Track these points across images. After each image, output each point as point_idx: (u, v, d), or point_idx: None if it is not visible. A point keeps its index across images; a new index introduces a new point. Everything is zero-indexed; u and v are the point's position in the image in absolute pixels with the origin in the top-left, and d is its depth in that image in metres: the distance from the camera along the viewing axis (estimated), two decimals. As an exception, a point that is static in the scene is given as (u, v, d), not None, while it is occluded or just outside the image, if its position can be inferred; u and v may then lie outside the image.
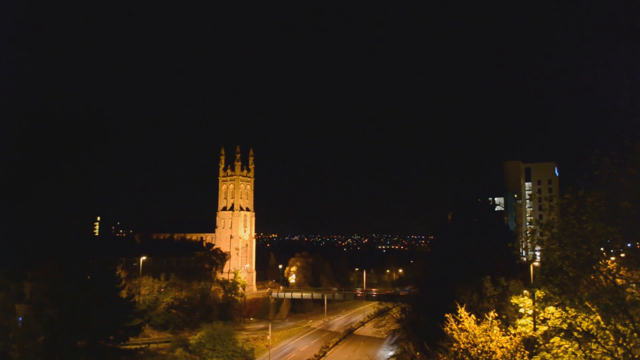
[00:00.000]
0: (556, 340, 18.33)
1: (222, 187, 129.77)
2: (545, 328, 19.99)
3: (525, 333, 24.97)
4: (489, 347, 25.72)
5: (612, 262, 17.32)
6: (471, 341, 26.64)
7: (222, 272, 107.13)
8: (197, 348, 66.95)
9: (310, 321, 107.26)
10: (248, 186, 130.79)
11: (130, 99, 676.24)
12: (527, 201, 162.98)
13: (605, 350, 16.31)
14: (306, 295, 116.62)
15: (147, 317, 76.24)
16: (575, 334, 17.05)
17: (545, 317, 19.70)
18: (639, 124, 15.52)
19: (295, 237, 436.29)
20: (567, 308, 17.45)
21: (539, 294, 19.66)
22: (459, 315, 28.59)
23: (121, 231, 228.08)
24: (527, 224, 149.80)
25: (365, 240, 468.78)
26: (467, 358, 26.28)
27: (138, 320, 61.31)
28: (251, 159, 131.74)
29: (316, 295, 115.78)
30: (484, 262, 45.60)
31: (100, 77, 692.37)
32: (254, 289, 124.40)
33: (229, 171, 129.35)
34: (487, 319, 27.51)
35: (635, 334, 15.62)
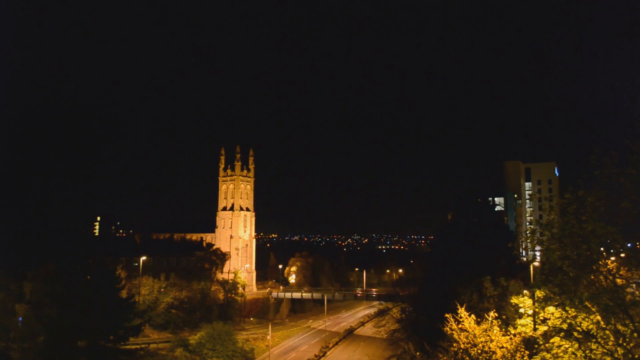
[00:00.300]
0: (556, 340, 18.33)
1: (222, 187, 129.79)
2: (545, 328, 19.99)
3: (525, 333, 24.98)
4: (489, 347, 25.73)
5: (612, 262, 17.33)
6: (471, 341, 26.65)
7: (222, 272, 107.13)
8: (197, 348, 66.96)
9: (310, 321, 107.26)
10: (248, 186, 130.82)
11: (131, 99, 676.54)
12: (527, 201, 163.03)
13: (605, 350, 16.31)
14: (306, 295, 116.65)
15: (147, 317, 76.23)
16: (575, 334, 17.05)
17: (545, 317, 19.71)
18: (639, 124, 15.54)
19: (295, 237, 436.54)
20: (567, 308, 17.45)
21: (539, 294, 19.67)
22: (459, 315, 28.60)
23: (121, 231, 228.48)
24: (527, 224, 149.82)
25: (365, 240, 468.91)
26: (467, 358, 26.29)
27: (138, 320, 61.30)
28: (251, 159, 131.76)
29: (316, 295, 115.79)
30: (484, 262, 45.69)
31: (101, 77, 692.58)
32: (254, 289, 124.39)
33: (229, 171, 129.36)
34: (487, 319, 27.53)
35: (635, 334, 15.62)
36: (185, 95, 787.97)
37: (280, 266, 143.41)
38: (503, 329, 26.80)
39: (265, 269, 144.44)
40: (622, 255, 17.84)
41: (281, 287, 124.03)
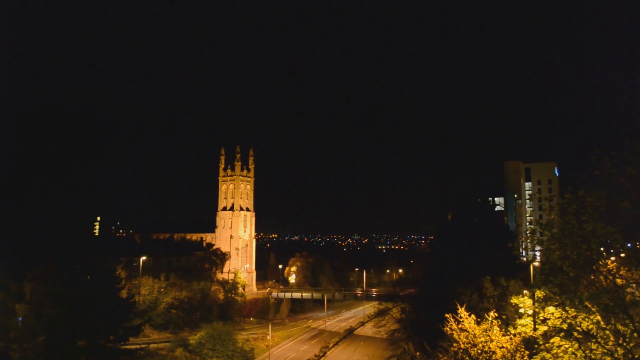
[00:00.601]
0: (556, 340, 18.32)
1: (222, 187, 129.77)
2: (545, 328, 19.98)
3: (525, 333, 24.96)
4: (489, 347, 25.72)
5: (612, 262, 17.32)
6: (471, 341, 26.64)
7: (222, 272, 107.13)
8: (197, 348, 66.93)
9: (310, 321, 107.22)
10: (248, 186, 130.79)
11: (131, 99, 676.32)
12: (527, 201, 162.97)
13: (605, 350, 16.31)
14: (306, 295, 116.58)
15: (147, 317, 76.10)
16: (575, 334, 17.04)
17: (545, 317, 19.70)
18: (639, 124, 15.53)
19: (295, 237, 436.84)
20: (567, 308, 17.45)
21: (539, 294, 19.67)
22: (459, 315, 28.59)
23: (121, 231, 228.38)
24: (527, 224, 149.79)
25: (365, 240, 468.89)
26: (467, 358, 26.29)
27: (138, 320, 61.23)
28: (251, 159, 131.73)
29: (316, 295, 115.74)
30: (484, 262, 45.66)
31: (101, 77, 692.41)
32: (254, 289, 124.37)
33: (229, 171, 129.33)
34: (487, 319, 27.52)
35: (635, 334, 15.62)
36: (186, 95, 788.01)
37: (280, 266, 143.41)
38: (503, 329, 26.79)
39: (265, 269, 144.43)
40: (622, 255, 17.83)
41: (281, 287, 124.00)
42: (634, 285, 17.07)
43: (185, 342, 69.45)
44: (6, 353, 47.43)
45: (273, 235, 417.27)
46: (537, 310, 22.52)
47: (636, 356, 15.61)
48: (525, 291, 26.68)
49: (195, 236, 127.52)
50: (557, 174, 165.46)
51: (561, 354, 17.96)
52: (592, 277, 16.82)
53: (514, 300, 27.95)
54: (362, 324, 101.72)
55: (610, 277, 16.40)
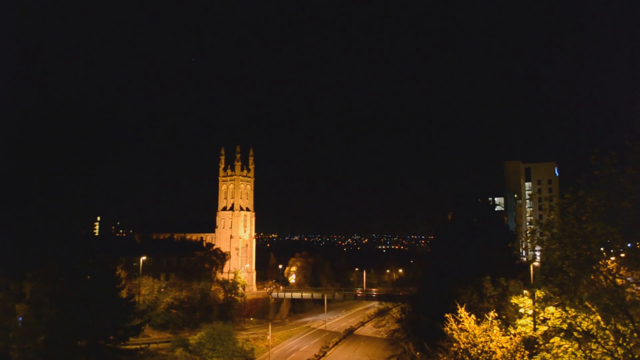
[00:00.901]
0: (556, 340, 18.32)
1: (222, 187, 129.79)
2: (545, 328, 19.98)
3: (525, 333, 24.93)
4: (489, 347, 25.71)
5: (612, 262, 17.31)
6: (471, 341, 26.63)
7: (222, 272, 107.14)
8: (197, 348, 66.95)
9: (310, 321, 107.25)
10: (248, 186, 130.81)
11: (131, 98, 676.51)
12: (527, 201, 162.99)
13: (605, 350, 16.30)
14: (306, 295, 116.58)
15: (147, 317, 76.21)
16: (575, 334, 17.04)
17: (545, 317, 19.69)
18: (639, 124, 15.53)
19: (295, 237, 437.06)
20: (567, 308, 17.44)
21: (539, 294, 19.66)
22: (459, 315, 28.58)
23: (121, 231, 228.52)
24: (527, 224, 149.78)
25: (365, 240, 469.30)
26: (467, 358, 26.29)
27: (138, 320, 61.30)
28: (251, 159, 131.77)
29: (316, 295, 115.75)
30: (484, 262, 45.66)
31: (101, 77, 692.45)
32: (254, 289, 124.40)
33: (229, 171, 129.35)
34: (487, 319, 27.50)
35: (635, 334, 15.62)
36: (186, 95, 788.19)
37: (280, 266, 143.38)
38: (503, 329, 26.77)
39: (265, 269, 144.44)
40: (622, 255, 17.82)
41: (281, 287, 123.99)
42: (634, 285, 17.07)
43: (185, 342, 69.47)
44: (6, 353, 47.43)
45: (273, 235, 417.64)
46: (537, 310, 22.50)
47: (636, 356, 15.61)
48: (525, 291, 26.65)
49: (195, 236, 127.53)
50: (557, 174, 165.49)
51: (561, 354, 17.96)
52: (592, 277, 16.81)
53: (514, 300, 27.92)
54: (362, 324, 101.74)
55: (610, 277, 16.40)
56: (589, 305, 16.42)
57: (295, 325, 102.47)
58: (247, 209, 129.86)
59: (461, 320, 28.19)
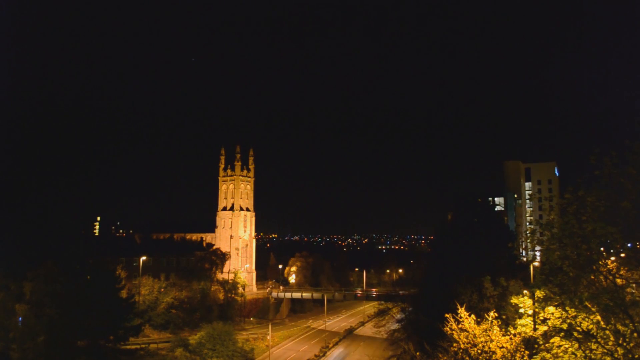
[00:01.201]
0: (556, 340, 18.32)
1: (222, 187, 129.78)
2: (545, 328, 19.97)
3: (525, 333, 24.94)
4: (489, 347, 25.71)
5: (612, 262, 17.31)
6: (471, 341, 26.62)
7: (222, 272, 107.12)
8: (197, 348, 66.93)
9: (310, 321, 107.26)
10: (248, 186, 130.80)
11: (131, 99, 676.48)
12: (527, 201, 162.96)
13: (605, 350, 16.30)
14: (306, 295, 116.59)
15: (147, 317, 76.20)
16: (575, 334, 17.03)
17: (545, 317, 19.68)
18: (639, 124, 15.54)
19: (295, 237, 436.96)
20: (567, 308, 17.43)
21: (539, 294, 19.65)
22: (459, 315, 28.56)
23: (121, 231, 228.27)
24: (527, 224, 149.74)
25: (365, 240, 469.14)
26: (467, 358, 26.28)
27: (138, 320, 61.27)
28: (251, 159, 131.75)
29: (316, 295, 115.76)
30: (484, 262, 45.63)
31: (101, 77, 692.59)
32: (254, 289, 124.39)
33: (229, 171, 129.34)
34: (487, 319, 27.49)
35: (635, 334, 15.61)
36: (186, 95, 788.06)
37: (280, 266, 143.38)
38: (503, 329, 26.77)
39: (265, 269, 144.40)
40: (622, 255, 17.82)
41: (281, 287, 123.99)
42: (634, 285, 17.06)
43: (185, 342, 69.45)
44: (6, 353, 47.41)
45: (273, 235, 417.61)
46: (537, 310, 22.49)
47: (636, 356, 15.60)
48: (525, 291, 26.66)
49: (195, 236, 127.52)
50: (557, 174, 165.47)
51: (561, 354, 17.96)
52: (592, 277, 16.81)
53: (514, 300, 27.93)
54: (362, 324, 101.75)
55: (610, 277, 16.39)
56: (589, 305, 16.42)
57: (295, 325, 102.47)
58: (247, 209, 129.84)
59: (461, 320, 28.18)
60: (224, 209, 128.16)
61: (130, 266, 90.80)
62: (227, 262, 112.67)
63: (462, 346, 26.82)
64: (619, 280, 16.48)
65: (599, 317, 16.50)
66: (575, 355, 17.34)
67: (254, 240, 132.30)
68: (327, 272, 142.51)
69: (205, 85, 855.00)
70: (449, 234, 64.87)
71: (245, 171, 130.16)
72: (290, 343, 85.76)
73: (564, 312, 17.74)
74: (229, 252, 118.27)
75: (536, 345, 21.60)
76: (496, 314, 27.95)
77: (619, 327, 15.93)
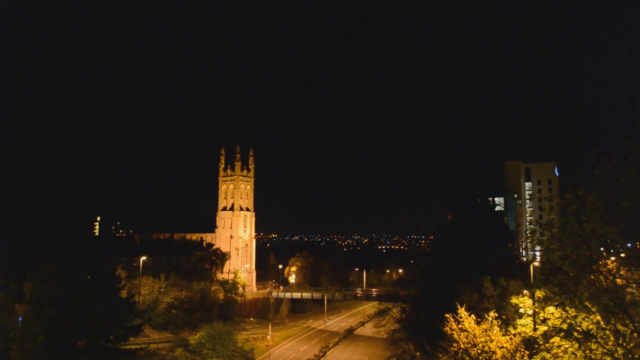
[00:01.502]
0: (556, 340, 18.31)
1: (222, 187, 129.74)
2: (545, 328, 19.97)
3: (525, 333, 24.94)
4: (489, 347, 25.70)
5: (612, 262, 17.30)
6: (471, 341, 26.62)
7: (222, 272, 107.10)
8: (197, 348, 66.92)
9: (310, 321, 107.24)
10: (248, 186, 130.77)
11: (131, 98, 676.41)
12: (527, 201, 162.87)
13: (605, 350, 16.30)
14: (306, 295, 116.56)
15: (147, 317, 76.18)
16: (575, 334, 17.03)
17: (545, 317, 19.68)
18: (639, 124, 15.53)
19: (295, 237, 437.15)
20: (567, 308, 17.43)
21: (539, 294, 19.64)
22: (459, 315, 28.55)
23: (121, 231, 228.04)
24: (527, 224, 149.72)
25: (365, 240, 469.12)
26: (467, 358, 26.27)
27: (138, 320, 61.22)
28: (251, 159, 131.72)
29: (316, 295, 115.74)
30: (484, 262, 45.63)
31: (101, 77, 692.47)
32: (254, 289, 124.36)
33: (229, 171, 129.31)
34: (487, 319, 27.49)
35: (635, 334, 15.61)
36: (186, 95, 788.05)
37: (280, 266, 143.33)
38: (503, 329, 26.77)
39: (265, 269, 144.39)
40: (622, 255, 17.81)
41: (281, 287, 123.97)
42: (634, 285, 17.06)
43: (185, 342, 69.45)
44: (6, 353, 47.42)
45: (273, 235, 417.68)
46: (537, 310, 22.49)
47: (636, 356, 15.60)
48: (525, 291, 26.64)
49: (195, 236, 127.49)
50: (557, 174, 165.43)
51: (561, 354, 17.95)
52: (592, 277, 16.80)
53: (514, 300, 27.92)
54: (362, 324, 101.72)
55: (610, 277, 16.38)
56: (589, 305, 16.41)
57: (295, 325, 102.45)
58: (247, 209, 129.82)
59: (461, 320, 28.17)
60: (224, 209, 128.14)
61: (130, 266, 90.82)
62: (227, 262, 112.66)
63: (462, 346, 26.81)
64: (619, 280, 16.47)
65: (599, 317, 16.49)
66: (575, 355, 17.33)
67: (254, 240, 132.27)
68: (327, 272, 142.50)
69: (205, 85, 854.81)
70: (449, 234, 64.89)
71: (245, 171, 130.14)
72: (290, 343, 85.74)
73: (564, 312, 17.73)
74: (229, 252, 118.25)
75: (536, 345, 21.60)
76: (496, 314, 27.95)
77: (619, 327, 15.92)
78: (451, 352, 27.63)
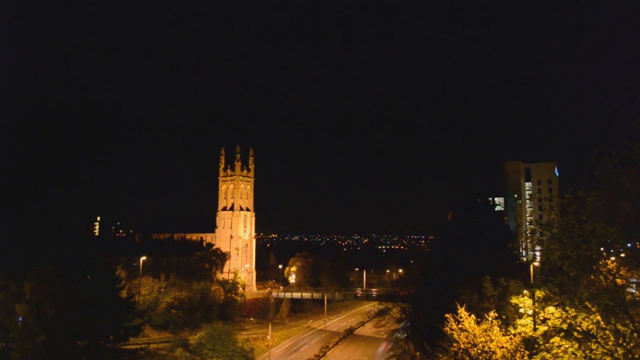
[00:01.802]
0: (556, 340, 18.31)
1: (222, 187, 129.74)
2: (545, 328, 19.97)
3: (525, 333, 24.94)
4: (489, 347, 25.71)
5: (612, 262, 17.31)
6: (471, 341, 26.62)
7: (222, 272, 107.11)
8: (197, 348, 66.94)
9: (310, 321, 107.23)
10: (248, 186, 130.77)
11: (131, 99, 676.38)
12: (527, 201, 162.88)
13: (605, 350, 16.30)
14: (306, 295, 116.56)
15: (147, 317, 76.15)
16: (575, 334, 17.03)
17: (545, 317, 19.69)
18: (639, 124, 15.52)
19: (295, 237, 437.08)
20: (567, 308, 17.43)
21: (539, 294, 19.65)
22: (459, 315, 28.56)
23: (121, 231, 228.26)
24: (527, 224, 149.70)
25: (365, 240, 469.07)
26: (467, 358, 26.28)
27: (138, 320, 61.20)
28: (251, 159, 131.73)
29: (316, 295, 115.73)
30: (484, 262, 45.58)
31: (101, 76, 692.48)
32: (254, 289, 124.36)
33: (229, 171, 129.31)
34: (487, 319, 27.49)
35: (635, 334, 15.61)
36: (186, 95, 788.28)
37: (280, 266, 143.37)
38: (503, 329, 26.77)
39: (265, 269, 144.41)
40: (622, 255, 17.82)
41: (281, 287, 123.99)
42: (634, 285, 17.08)
43: (185, 342, 69.46)
44: (6, 353, 47.42)
45: (273, 235, 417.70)
46: (537, 310, 22.50)
47: (636, 356, 15.60)
48: (525, 291, 26.66)
49: (195, 236, 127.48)
50: (557, 174, 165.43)
51: (561, 354, 17.95)
52: (592, 277, 16.80)
53: (514, 300, 27.95)
54: (362, 324, 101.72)
55: (610, 277, 16.39)
56: (589, 305, 16.42)
57: (296, 325, 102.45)
58: (247, 209, 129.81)
59: (461, 320, 28.18)
60: (224, 209, 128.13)
61: (130, 266, 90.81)
62: (227, 262, 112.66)
63: (462, 346, 26.82)
64: (619, 280, 16.47)
65: (599, 317, 16.49)
66: (575, 355, 17.33)
67: (254, 240, 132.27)
68: (327, 272, 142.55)
69: (205, 85, 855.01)
70: (449, 234, 64.82)
71: (245, 171, 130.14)
72: (290, 343, 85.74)
73: (564, 312, 17.73)
74: (229, 252, 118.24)
75: (536, 345, 21.59)
76: (496, 314, 27.95)
77: (619, 327, 15.93)
78: (451, 352, 27.64)
